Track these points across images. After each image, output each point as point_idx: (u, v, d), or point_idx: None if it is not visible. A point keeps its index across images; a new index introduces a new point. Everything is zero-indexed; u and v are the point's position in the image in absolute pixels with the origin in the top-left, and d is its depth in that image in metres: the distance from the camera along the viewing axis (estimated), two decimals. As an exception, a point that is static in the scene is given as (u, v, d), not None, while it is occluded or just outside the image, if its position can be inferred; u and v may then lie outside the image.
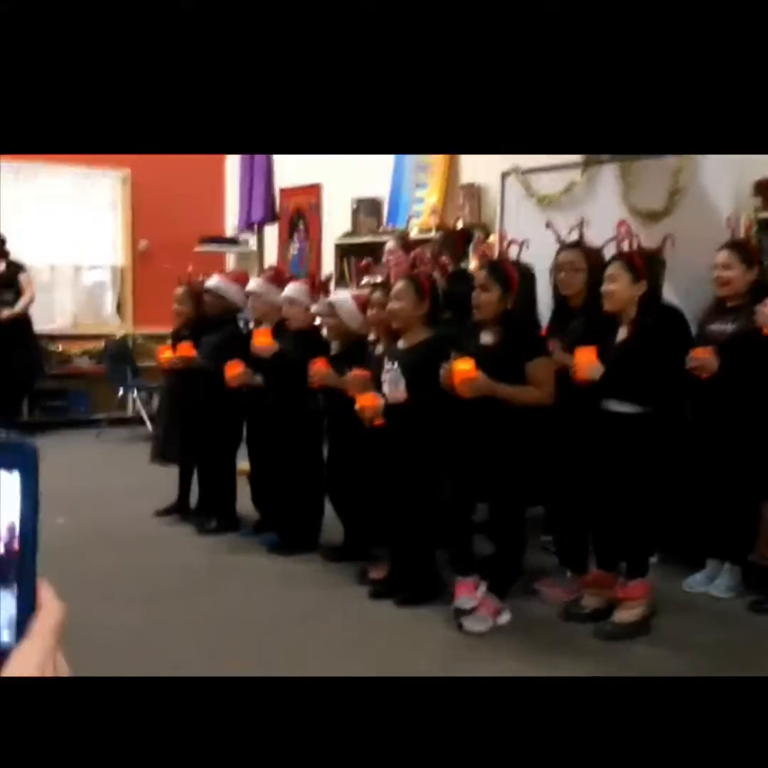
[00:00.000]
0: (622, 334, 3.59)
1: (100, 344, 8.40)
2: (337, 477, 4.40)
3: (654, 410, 3.49)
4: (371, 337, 4.20)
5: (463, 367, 3.40)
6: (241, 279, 5.09)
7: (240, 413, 4.86)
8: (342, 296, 4.45)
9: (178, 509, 5.26)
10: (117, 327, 8.73)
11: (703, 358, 3.73)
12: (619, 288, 3.55)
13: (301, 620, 3.73)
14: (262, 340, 4.44)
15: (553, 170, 5.26)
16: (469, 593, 3.62)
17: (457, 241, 4.92)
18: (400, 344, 3.84)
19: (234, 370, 4.50)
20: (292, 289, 4.54)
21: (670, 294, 4.36)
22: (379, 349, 4.05)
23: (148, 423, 7.63)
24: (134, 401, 8.36)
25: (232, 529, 4.95)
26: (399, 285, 3.80)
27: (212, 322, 5.03)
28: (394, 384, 3.77)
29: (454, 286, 3.98)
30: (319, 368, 4.14)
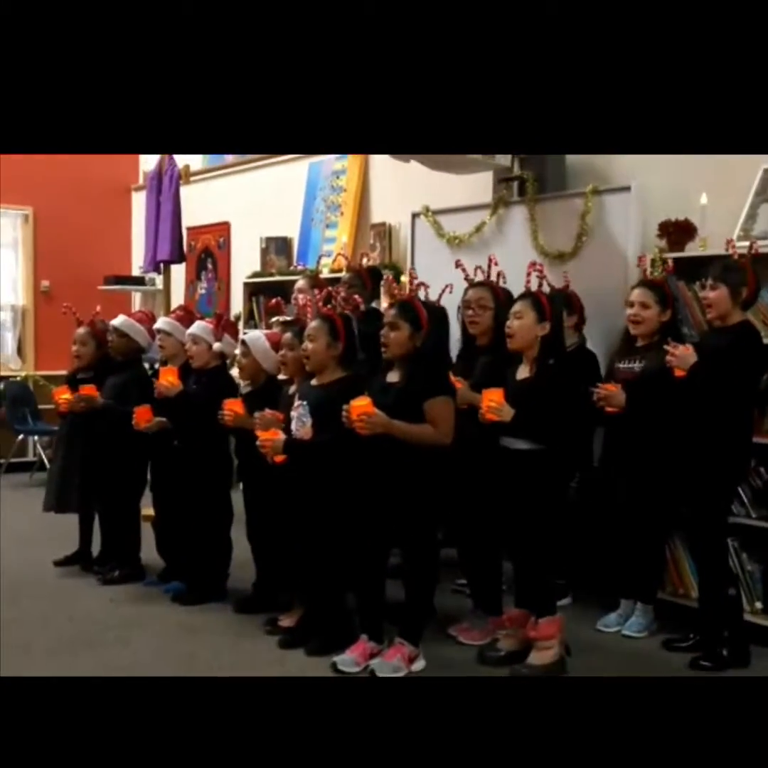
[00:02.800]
0: (523, 372, 3.58)
1: (0, 386, 8.10)
2: (253, 519, 4.27)
3: (549, 448, 3.47)
4: (281, 376, 4.10)
5: (359, 404, 3.36)
6: (146, 320, 4.93)
7: (145, 456, 4.70)
8: (255, 334, 4.36)
9: (80, 558, 5.06)
10: (17, 369, 8.47)
11: (610, 391, 3.77)
12: (523, 325, 3.53)
13: (210, 671, 3.57)
14: (168, 380, 4.32)
15: (462, 211, 5.29)
16: (358, 656, 3.56)
17: (366, 280, 4.87)
18: (312, 381, 3.75)
19: (144, 415, 4.37)
20: (196, 326, 4.44)
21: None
22: (292, 389, 3.96)
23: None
24: (34, 445, 8.12)
25: (136, 578, 4.78)
26: (313, 325, 3.71)
27: (116, 364, 4.87)
28: (300, 421, 3.68)
29: (366, 326, 3.91)
30: (232, 408, 4.03)
